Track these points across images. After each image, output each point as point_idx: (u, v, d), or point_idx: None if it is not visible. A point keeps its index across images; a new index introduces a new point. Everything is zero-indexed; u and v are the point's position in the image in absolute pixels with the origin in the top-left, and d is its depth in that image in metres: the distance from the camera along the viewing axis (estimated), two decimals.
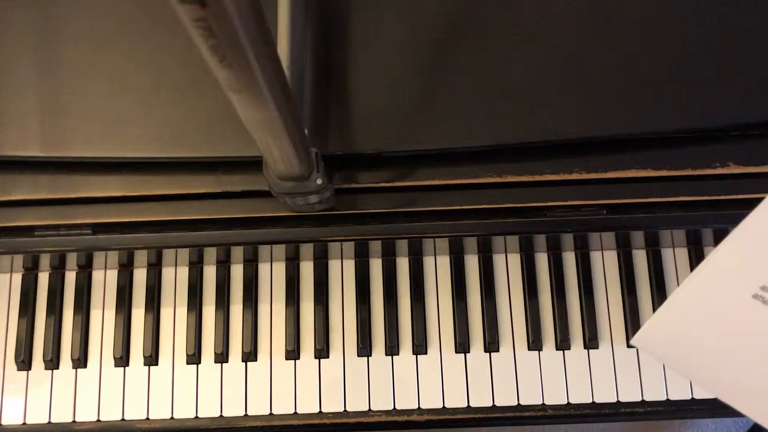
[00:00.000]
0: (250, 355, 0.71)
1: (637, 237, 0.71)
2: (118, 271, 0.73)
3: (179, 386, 0.71)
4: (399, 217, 0.64)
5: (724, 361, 0.46)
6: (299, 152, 0.48)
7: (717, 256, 0.45)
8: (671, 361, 0.50)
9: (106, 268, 0.73)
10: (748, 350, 0.45)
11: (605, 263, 0.72)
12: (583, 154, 0.62)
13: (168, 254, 0.71)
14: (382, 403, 0.70)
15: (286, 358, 0.71)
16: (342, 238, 0.65)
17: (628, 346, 0.70)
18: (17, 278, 0.73)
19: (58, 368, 0.71)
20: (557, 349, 0.70)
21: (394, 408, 0.70)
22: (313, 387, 0.70)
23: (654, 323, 0.48)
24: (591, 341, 0.70)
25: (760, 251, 0.43)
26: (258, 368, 0.71)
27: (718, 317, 0.46)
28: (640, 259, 0.72)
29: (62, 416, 0.70)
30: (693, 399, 0.69)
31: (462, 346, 0.70)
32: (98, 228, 0.64)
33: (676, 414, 0.69)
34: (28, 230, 0.64)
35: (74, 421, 0.70)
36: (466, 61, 0.62)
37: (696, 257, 0.72)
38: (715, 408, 0.69)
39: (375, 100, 0.62)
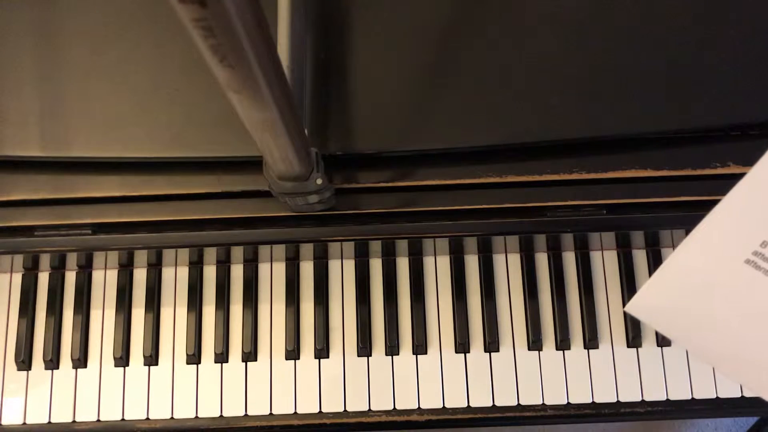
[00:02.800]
0: (250, 355, 0.71)
1: (637, 237, 0.71)
2: (118, 271, 0.73)
3: (179, 386, 0.71)
4: (399, 217, 0.64)
5: (716, 328, 0.45)
6: (299, 152, 0.48)
7: (709, 221, 0.44)
8: (665, 328, 0.49)
9: (106, 268, 0.73)
10: (740, 317, 0.44)
11: (605, 263, 0.72)
12: (583, 154, 0.62)
13: (168, 254, 0.71)
14: (382, 403, 0.70)
15: (286, 358, 0.71)
16: (342, 238, 0.65)
17: (629, 345, 0.70)
18: (17, 278, 0.73)
19: (58, 368, 0.71)
20: (557, 349, 0.70)
21: (394, 408, 0.70)
22: (313, 387, 0.70)
23: (648, 290, 0.48)
24: (591, 341, 0.70)
25: (751, 216, 0.42)
26: (258, 368, 0.71)
27: (710, 283, 0.45)
28: (640, 259, 0.72)
29: (62, 416, 0.70)
30: (693, 399, 0.69)
31: (462, 346, 0.70)
32: (98, 228, 0.64)
33: (676, 414, 0.69)
34: (28, 230, 0.64)
35: (74, 421, 0.70)
36: (465, 60, 0.62)
37: None
38: (715, 408, 0.69)
39: (375, 100, 0.62)
